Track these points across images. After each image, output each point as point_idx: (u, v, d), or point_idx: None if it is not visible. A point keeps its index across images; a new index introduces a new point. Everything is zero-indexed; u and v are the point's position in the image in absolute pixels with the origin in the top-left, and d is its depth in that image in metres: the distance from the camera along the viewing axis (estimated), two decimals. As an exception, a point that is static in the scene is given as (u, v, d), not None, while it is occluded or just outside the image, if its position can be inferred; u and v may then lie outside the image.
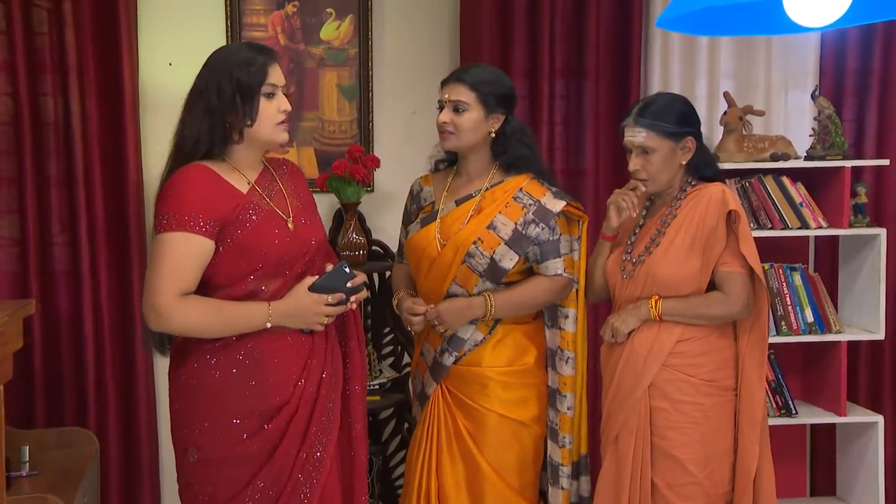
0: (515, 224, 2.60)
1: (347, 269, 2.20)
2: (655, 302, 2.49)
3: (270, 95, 2.20)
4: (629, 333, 2.54)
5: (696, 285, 2.48)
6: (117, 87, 3.36)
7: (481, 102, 2.60)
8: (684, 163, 2.53)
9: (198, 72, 2.24)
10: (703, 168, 2.55)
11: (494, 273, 2.59)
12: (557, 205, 2.62)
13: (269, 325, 2.14)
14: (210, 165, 2.19)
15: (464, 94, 2.60)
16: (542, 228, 2.59)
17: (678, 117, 2.49)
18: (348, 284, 2.21)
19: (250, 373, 2.16)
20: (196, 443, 2.17)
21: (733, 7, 2.19)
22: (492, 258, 2.58)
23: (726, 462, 2.51)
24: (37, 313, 3.32)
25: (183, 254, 2.10)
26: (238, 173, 2.22)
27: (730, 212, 2.44)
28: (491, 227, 2.60)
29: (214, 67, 2.20)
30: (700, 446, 2.47)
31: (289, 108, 2.25)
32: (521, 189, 2.64)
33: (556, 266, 2.63)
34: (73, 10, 3.31)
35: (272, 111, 2.21)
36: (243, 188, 2.20)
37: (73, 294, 3.39)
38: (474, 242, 2.59)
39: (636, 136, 2.50)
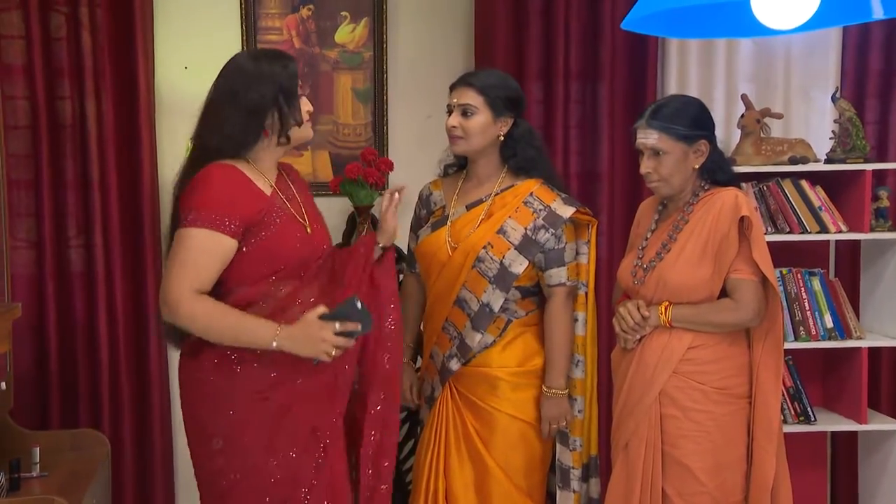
0: (525, 229, 2.58)
1: (359, 305, 2.15)
2: (665, 308, 2.45)
3: (300, 97, 2.28)
4: (640, 339, 2.51)
5: (708, 292, 2.43)
6: (133, 91, 3.39)
7: (489, 106, 2.60)
8: (697, 166, 2.48)
9: (219, 75, 2.28)
10: (717, 172, 2.50)
11: (504, 278, 2.57)
12: (567, 211, 2.61)
13: (274, 344, 2.13)
14: (236, 165, 2.22)
15: (472, 97, 2.60)
16: (551, 234, 2.58)
17: (691, 120, 2.45)
18: (360, 329, 2.17)
19: (269, 367, 2.19)
20: (221, 433, 2.21)
21: (701, 9, 2.18)
22: (501, 263, 2.57)
23: (738, 471, 2.47)
24: (52, 315, 3.37)
25: (204, 250, 2.13)
26: (262, 176, 2.26)
27: (742, 218, 2.39)
28: (501, 231, 2.59)
29: (249, 70, 2.23)
30: (711, 455, 2.43)
31: (311, 108, 2.33)
32: (531, 194, 2.63)
33: (559, 275, 2.62)
34: (89, 14, 3.34)
35: (304, 110, 2.29)
36: (267, 190, 2.24)
37: (88, 296, 3.42)
38: (484, 247, 2.59)
39: (648, 138, 2.46)
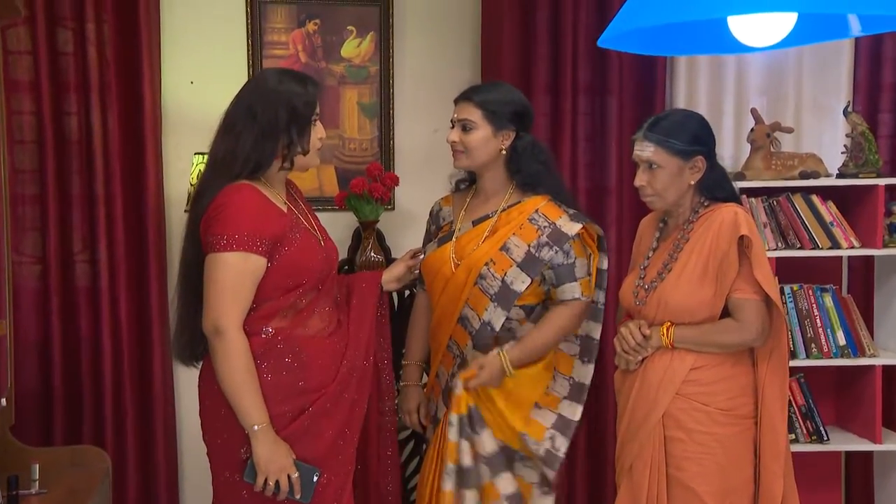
0: (528, 246, 2.54)
1: (315, 479, 2.26)
2: (667, 329, 2.40)
3: (314, 123, 2.32)
4: (642, 360, 2.46)
5: (710, 312, 2.38)
6: (139, 106, 3.38)
7: (488, 120, 2.57)
8: (693, 183, 2.44)
9: (243, 87, 2.33)
10: (715, 189, 2.45)
11: (506, 296, 2.53)
12: (573, 228, 2.55)
13: (256, 428, 2.19)
14: (253, 184, 2.25)
15: (471, 112, 2.58)
16: (556, 252, 2.53)
17: (690, 135, 2.41)
18: (298, 496, 2.23)
19: (298, 374, 2.26)
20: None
21: (678, 26, 2.16)
22: (503, 280, 2.53)
23: (746, 494, 2.41)
24: (56, 330, 3.36)
25: (242, 273, 2.18)
26: (276, 194, 2.31)
27: (741, 237, 2.34)
28: (504, 248, 2.55)
29: (268, 92, 2.26)
30: (717, 478, 2.37)
31: (325, 135, 2.37)
32: (537, 210, 2.59)
33: (572, 290, 2.57)
34: (96, 30, 3.34)
35: (314, 139, 2.33)
36: (283, 207, 2.29)
37: (92, 311, 3.40)
38: (486, 264, 2.55)
39: (644, 150, 2.43)
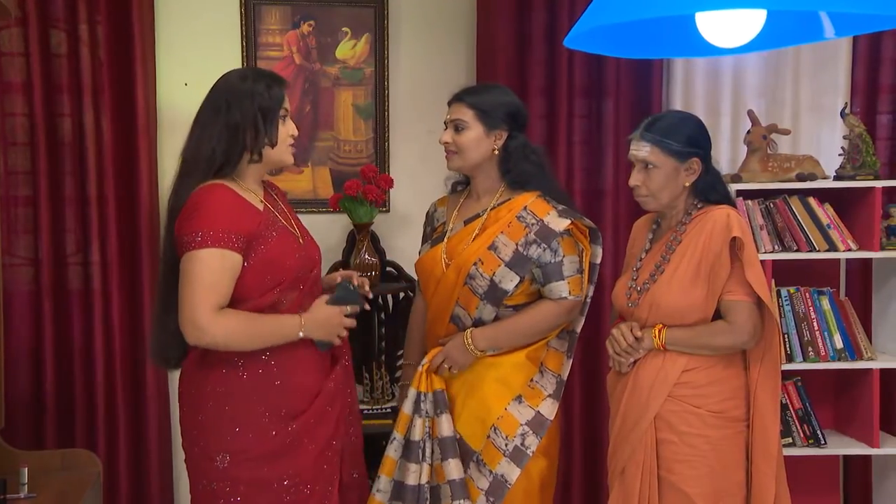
0: (516, 245, 2.52)
1: (352, 287, 2.37)
2: (659, 331, 2.38)
3: (283, 119, 2.29)
4: (634, 363, 2.44)
5: (702, 314, 2.36)
6: (132, 108, 3.37)
7: (480, 120, 2.55)
8: (688, 184, 2.42)
9: (209, 91, 2.31)
10: (709, 192, 2.43)
11: (494, 295, 2.51)
12: (561, 224, 2.52)
13: (301, 334, 2.23)
14: (226, 184, 2.23)
15: (463, 112, 2.57)
16: (544, 249, 2.51)
17: (686, 137, 2.39)
18: (357, 310, 2.33)
19: (275, 374, 2.23)
20: (227, 447, 2.19)
21: (646, 27, 2.15)
22: (491, 280, 2.51)
23: (738, 496, 2.38)
24: (49, 333, 3.34)
25: (219, 269, 2.15)
26: (250, 192, 2.29)
27: (733, 238, 2.32)
28: (492, 247, 2.53)
29: (234, 88, 2.25)
30: (709, 480, 2.35)
31: (297, 132, 2.35)
32: (525, 207, 2.56)
33: (560, 289, 2.54)
34: (89, 31, 3.33)
35: (285, 134, 2.30)
36: (259, 206, 2.27)
37: (85, 313, 3.39)
38: (474, 264, 2.53)
39: (640, 150, 2.41)
